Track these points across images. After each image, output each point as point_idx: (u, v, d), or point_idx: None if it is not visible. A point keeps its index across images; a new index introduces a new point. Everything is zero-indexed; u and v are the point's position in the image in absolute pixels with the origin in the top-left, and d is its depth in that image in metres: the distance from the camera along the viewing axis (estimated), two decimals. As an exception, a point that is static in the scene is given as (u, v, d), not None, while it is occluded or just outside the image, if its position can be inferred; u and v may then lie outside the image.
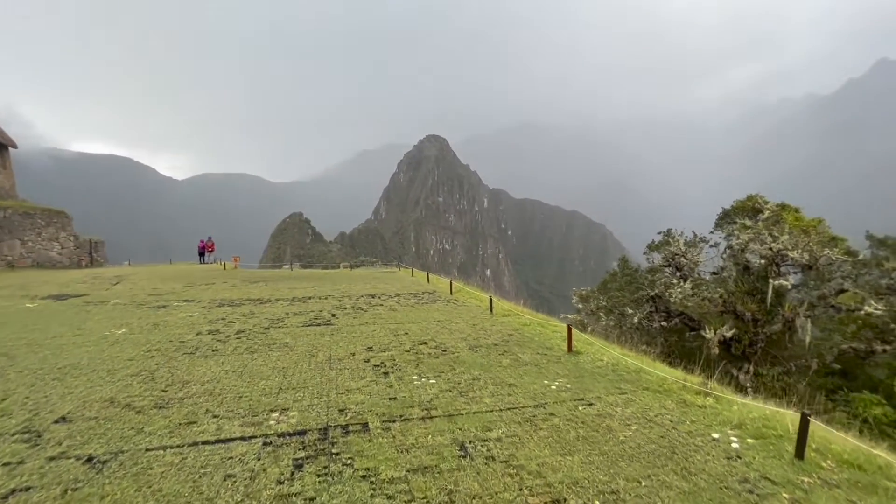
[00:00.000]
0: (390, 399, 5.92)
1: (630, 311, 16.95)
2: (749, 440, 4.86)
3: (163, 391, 6.08)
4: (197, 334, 9.38)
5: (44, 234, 30.61)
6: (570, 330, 8.34)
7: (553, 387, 6.50)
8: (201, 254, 36.90)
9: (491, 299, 12.73)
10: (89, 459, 4.29)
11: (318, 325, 10.57)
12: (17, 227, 28.23)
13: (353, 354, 8.03)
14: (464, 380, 6.73)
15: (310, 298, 14.81)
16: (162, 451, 4.45)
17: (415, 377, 6.83)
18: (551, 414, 5.49)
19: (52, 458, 4.31)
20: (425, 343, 8.87)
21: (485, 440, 4.76)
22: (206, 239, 37.40)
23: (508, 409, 5.67)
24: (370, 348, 8.47)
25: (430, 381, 6.64)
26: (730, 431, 5.08)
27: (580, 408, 5.70)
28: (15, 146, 37.01)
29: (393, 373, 7.02)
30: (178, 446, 4.56)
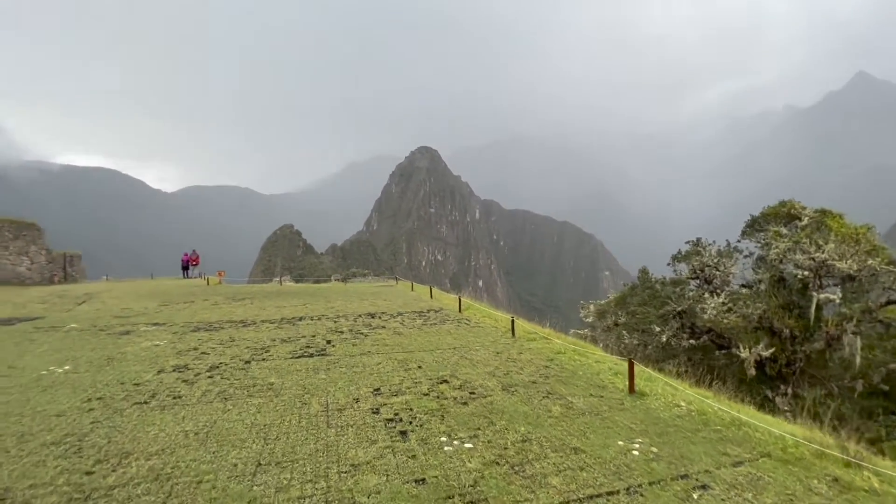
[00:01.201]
0: (416, 482, 4.13)
1: (657, 329, 15.31)
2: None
3: (86, 473, 4.21)
4: (158, 372, 7.48)
5: (11, 247, 28.30)
6: (631, 367, 6.60)
7: (634, 452, 4.76)
8: (185, 268, 34.67)
9: (513, 321, 10.98)
10: None
11: (311, 355, 8.72)
12: (-20, 241, 25.90)
13: (357, 401, 6.21)
14: (510, 442, 4.97)
15: (300, 319, 12.94)
16: None
17: (443, 438, 5.05)
18: (654, 505, 3.76)
19: None
20: (446, 381, 7.09)
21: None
22: (191, 252, 35.19)
23: (590, 497, 3.91)
24: (377, 390, 6.66)
25: (466, 446, 4.86)
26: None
27: (694, 494, 3.97)
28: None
29: (413, 432, 5.22)
30: None
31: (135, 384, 6.85)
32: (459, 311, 14.54)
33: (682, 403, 6.17)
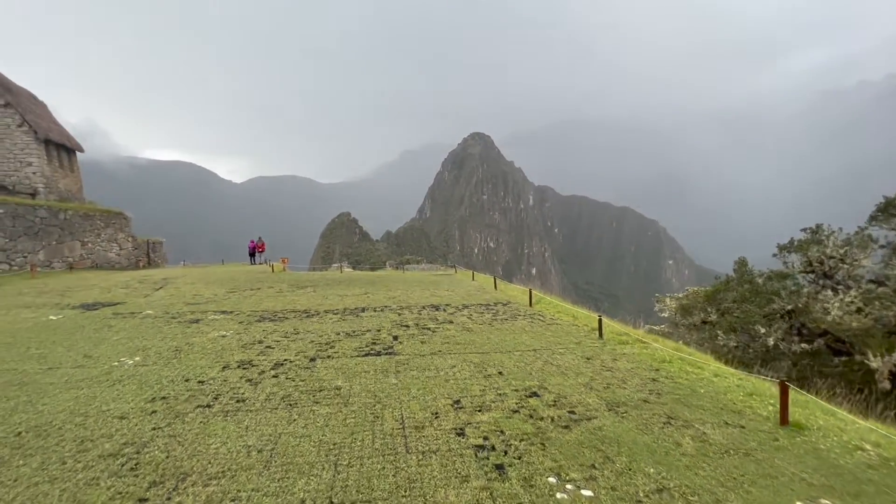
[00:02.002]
0: (533, 550, 3.11)
1: (762, 330, 13.17)
2: None
3: (139, 501, 3.62)
4: (223, 368, 7.07)
5: (103, 235, 30.71)
6: (785, 392, 5.08)
7: (828, 523, 3.42)
8: (252, 254, 36.23)
9: (601, 321, 9.61)
10: None
11: (378, 353, 7.99)
12: (78, 229, 28.28)
13: (437, 416, 5.30)
14: (643, 492, 3.80)
15: (363, 311, 12.39)
16: None
17: (551, 479, 3.98)
18: None
19: None
20: (536, 395, 6.00)
21: None
22: (256, 239, 36.64)
23: None
24: (457, 403, 5.72)
25: (584, 494, 3.77)
26: None
27: None
28: (82, 150, 38.02)
29: (511, 466, 4.20)
30: None
31: (199, 382, 6.43)
32: (530, 304, 13.33)
33: (866, 445, 4.63)
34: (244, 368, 7.07)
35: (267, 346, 8.40)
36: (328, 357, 7.74)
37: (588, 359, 7.81)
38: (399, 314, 11.90)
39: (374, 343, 8.77)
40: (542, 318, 11.38)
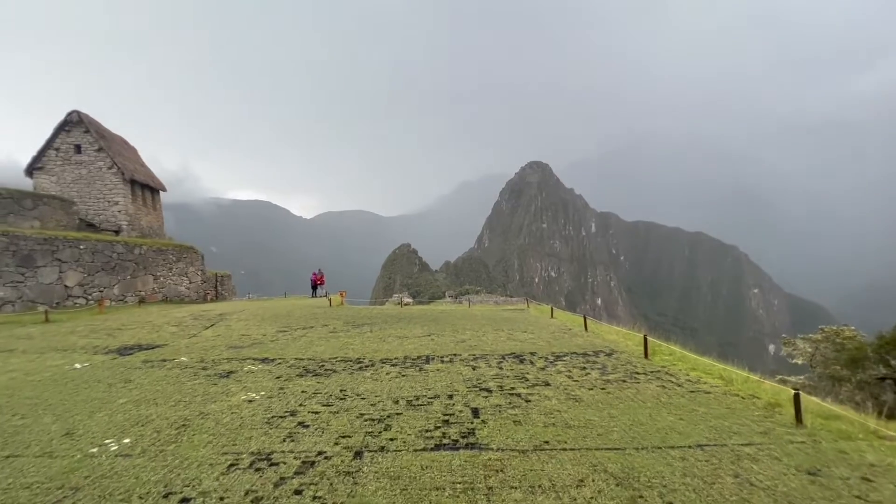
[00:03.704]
0: None
1: None
2: None
3: None
4: (229, 467, 4.74)
5: (174, 269, 31.37)
6: None
7: None
8: (314, 287, 35.63)
9: (798, 398, 6.17)
10: None
11: (455, 445, 5.29)
12: (151, 263, 28.96)
13: None
14: None
15: (427, 361, 9.83)
16: None
17: None
18: None
19: None
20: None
21: None
22: (317, 271, 36.09)
23: None
24: None
25: None
26: None
27: None
28: (164, 189, 40.35)
29: None
30: None
31: (181, 502, 4.11)
32: (646, 356, 10.02)
33: None
34: (257, 470, 4.68)
35: (300, 423, 6.03)
36: (381, 449, 5.17)
37: (811, 475, 4.55)
38: (473, 368, 9.18)
39: (447, 421, 6.10)
40: (674, 381, 8.10)
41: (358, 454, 5.05)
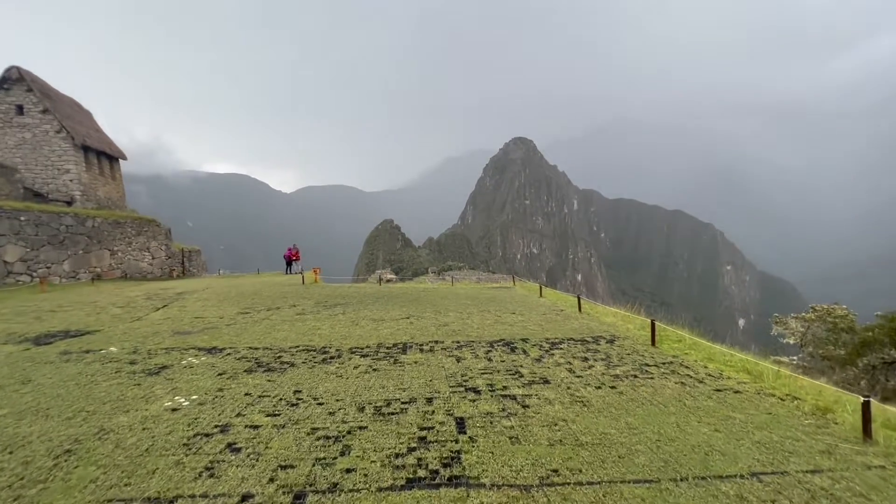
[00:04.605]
0: None
1: None
2: None
3: None
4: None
5: (134, 243, 28.98)
6: None
7: None
8: (288, 263, 33.77)
9: (866, 406, 4.97)
10: None
11: (434, 483, 3.91)
12: (107, 237, 26.54)
13: None
14: None
15: (404, 350, 8.44)
16: None
17: None
18: None
19: None
20: None
21: None
22: (292, 247, 34.13)
23: None
24: None
25: None
26: None
27: None
28: (125, 157, 37.19)
29: None
30: None
31: None
32: (653, 343, 8.83)
33: None
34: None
35: (229, 445, 4.55)
36: (332, 489, 3.75)
37: (918, 521, 3.35)
38: (458, 360, 7.82)
39: (424, 439, 4.70)
40: (693, 375, 6.90)
41: (298, 498, 3.62)
